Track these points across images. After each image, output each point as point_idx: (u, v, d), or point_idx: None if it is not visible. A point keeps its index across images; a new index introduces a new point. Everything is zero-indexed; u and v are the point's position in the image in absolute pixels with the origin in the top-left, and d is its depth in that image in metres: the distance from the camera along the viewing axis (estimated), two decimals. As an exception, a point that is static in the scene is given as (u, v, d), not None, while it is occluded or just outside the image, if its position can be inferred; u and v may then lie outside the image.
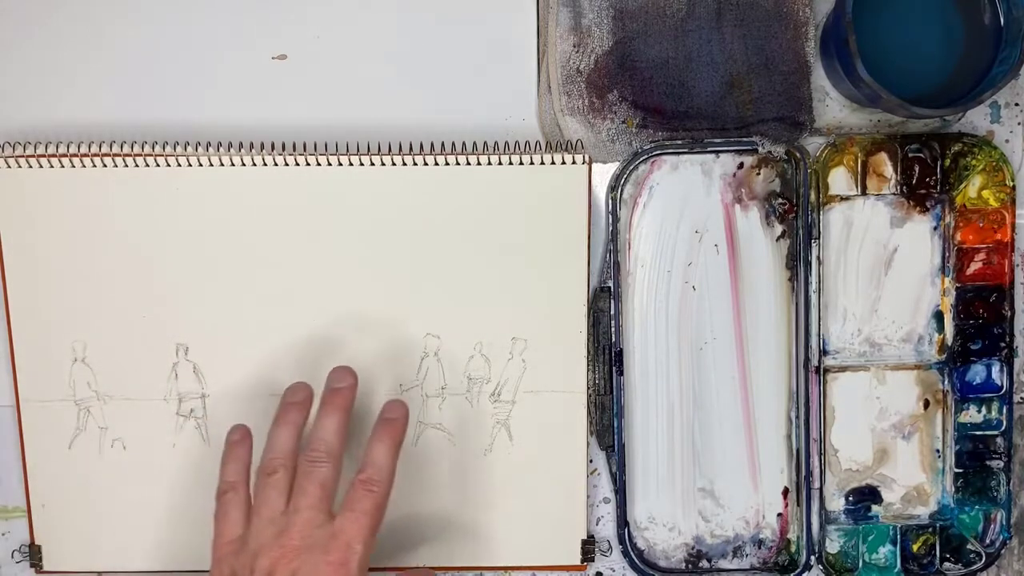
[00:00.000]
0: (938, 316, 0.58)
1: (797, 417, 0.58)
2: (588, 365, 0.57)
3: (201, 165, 0.55)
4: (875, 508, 0.59)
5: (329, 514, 0.49)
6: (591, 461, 0.58)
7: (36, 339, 0.56)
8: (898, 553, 0.59)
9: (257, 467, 0.51)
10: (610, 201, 0.57)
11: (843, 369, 0.58)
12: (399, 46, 0.57)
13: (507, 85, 0.57)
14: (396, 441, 0.51)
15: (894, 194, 0.57)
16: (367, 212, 0.55)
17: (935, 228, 0.58)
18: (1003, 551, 0.59)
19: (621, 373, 0.57)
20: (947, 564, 0.59)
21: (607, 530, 0.59)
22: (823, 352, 0.58)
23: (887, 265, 0.58)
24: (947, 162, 0.57)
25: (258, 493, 0.50)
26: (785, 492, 0.59)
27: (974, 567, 0.59)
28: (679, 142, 0.57)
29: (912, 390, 0.58)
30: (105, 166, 0.55)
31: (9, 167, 0.55)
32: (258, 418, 0.57)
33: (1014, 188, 0.57)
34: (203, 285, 0.56)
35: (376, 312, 0.56)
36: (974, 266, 0.57)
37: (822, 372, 0.58)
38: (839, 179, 0.57)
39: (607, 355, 0.57)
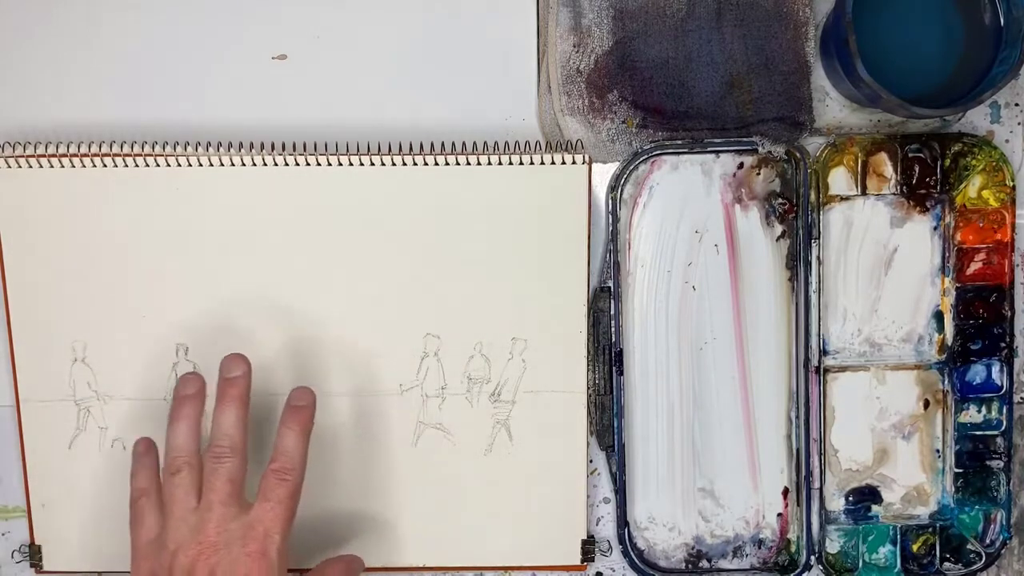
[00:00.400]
0: (938, 316, 0.58)
1: (797, 417, 0.58)
2: (588, 365, 0.57)
3: (201, 165, 0.55)
4: (875, 508, 0.59)
5: (242, 506, 0.49)
6: (591, 461, 0.58)
7: (36, 339, 0.56)
8: (898, 553, 0.59)
9: (164, 465, 0.51)
10: (610, 201, 0.57)
11: (843, 369, 0.58)
12: (399, 46, 0.57)
13: (507, 85, 0.57)
14: (305, 428, 0.51)
15: (894, 194, 0.57)
16: (367, 212, 0.55)
17: (935, 228, 0.58)
18: (1003, 551, 0.59)
19: (621, 373, 0.57)
20: (947, 564, 0.59)
21: (607, 530, 0.59)
22: (823, 352, 0.58)
23: (887, 265, 0.58)
24: (947, 162, 0.57)
25: (167, 493, 0.50)
26: (785, 492, 0.59)
27: (974, 567, 0.59)
28: (679, 142, 0.57)
29: (912, 390, 0.58)
30: (105, 166, 0.55)
31: (9, 167, 0.55)
32: (258, 418, 0.57)
33: (1014, 188, 0.57)
34: (203, 285, 0.56)
35: (376, 312, 0.56)
36: (974, 266, 0.57)
37: (822, 372, 0.58)
38: (839, 179, 0.57)
39: (607, 355, 0.57)
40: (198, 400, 0.52)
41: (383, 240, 0.56)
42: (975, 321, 0.58)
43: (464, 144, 0.56)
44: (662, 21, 0.56)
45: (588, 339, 0.57)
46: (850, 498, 0.59)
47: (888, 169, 0.57)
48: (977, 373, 0.58)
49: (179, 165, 0.55)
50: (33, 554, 0.58)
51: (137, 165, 0.55)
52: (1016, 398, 0.59)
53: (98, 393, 0.57)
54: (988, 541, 0.59)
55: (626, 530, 0.59)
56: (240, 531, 0.48)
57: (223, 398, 0.51)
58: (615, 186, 0.57)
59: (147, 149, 0.55)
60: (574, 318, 0.56)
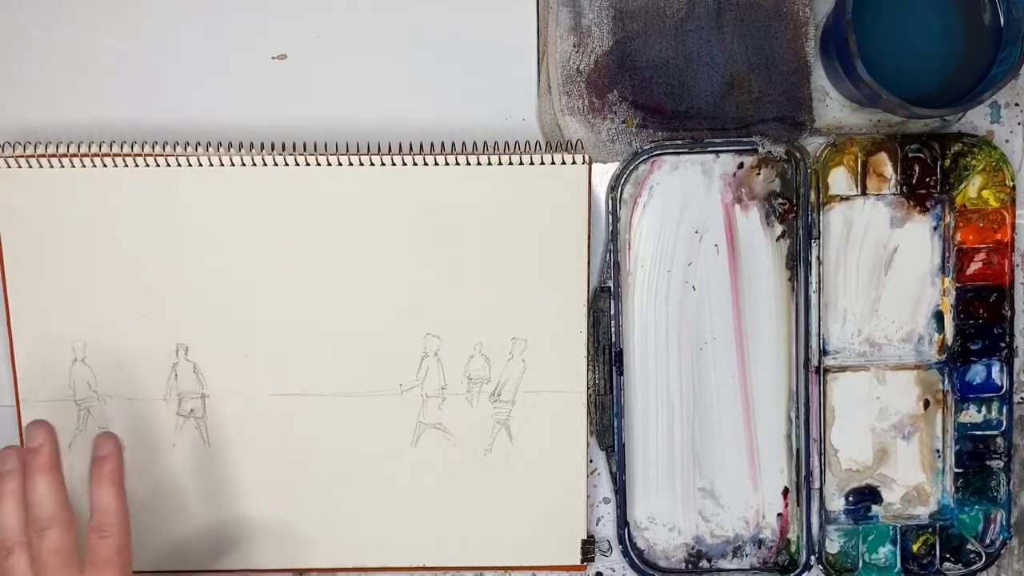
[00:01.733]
0: (938, 316, 0.58)
1: (797, 417, 0.58)
2: (588, 365, 0.57)
3: (201, 165, 0.55)
4: (875, 508, 0.59)
5: (78, 573, 0.48)
6: (591, 461, 0.58)
7: (36, 339, 0.56)
8: (898, 553, 0.59)
9: None
10: (610, 201, 0.57)
11: (843, 369, 0.58)
12: (399, 46, 0.57)
13: (507, 85, 0.57)
14: (115, 478, 0.50)
15: (894, 194, 0.57)
16: (367, 212, 0.55)
17: (935, 228, 0.58)
18: (1003, 551, 0.59)
19: (621, 373, 0.57)
20: (947, 564, 0.59)
21: (607, 530, 0.59)
22: (823, 352, 0.58)
23: (887, 265, 0.58)
24: (947, 162, 0.57)
25: None
26: (785, 492, 0.59)
27: (974, 567, 0.59)
28: (679, 142, 0.57)
29: (912, 390, 0.58)
30: (105, 166, 0.55)
31: (9, 167, 0.55)
32: (258, 418, 0.57)
33: (1014, 188, 0.57)
34: (203, 285, 0.56)
35: (376, 312, 0.56)
36: (974, 266, 0.57)
37: (822, 372, 0.58)
38: (839, 179, 0.57)
39: (607, 355, 0.57)
40: (18, 473, 0.50)
41: (383, 240, 0.56)
42: (975, 321, 0.58)
43: (464, 144, 0.56)
44: (662, 21, 0.56)
45: (588, 339, 0.57)
46: (850, 498, 0.59)
47: (888, 169, 0.57)
48: (977, 373, 0.58)
49: (179, 165, 0.55)
50: (33, 554, 0.58)
51: (137, 165, 0.55)
52: (1016, 398, 0.59)
53: (98, 393, 0.57)
54: (988, 541, 0.59)
55: (626, 530, 0.59)
56: None
57: (29, 470, 0.50)
58: (615, 186, 0.57)
59: (147, 149, 0.55)
60: (574, 318, 0.56)
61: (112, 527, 0.49)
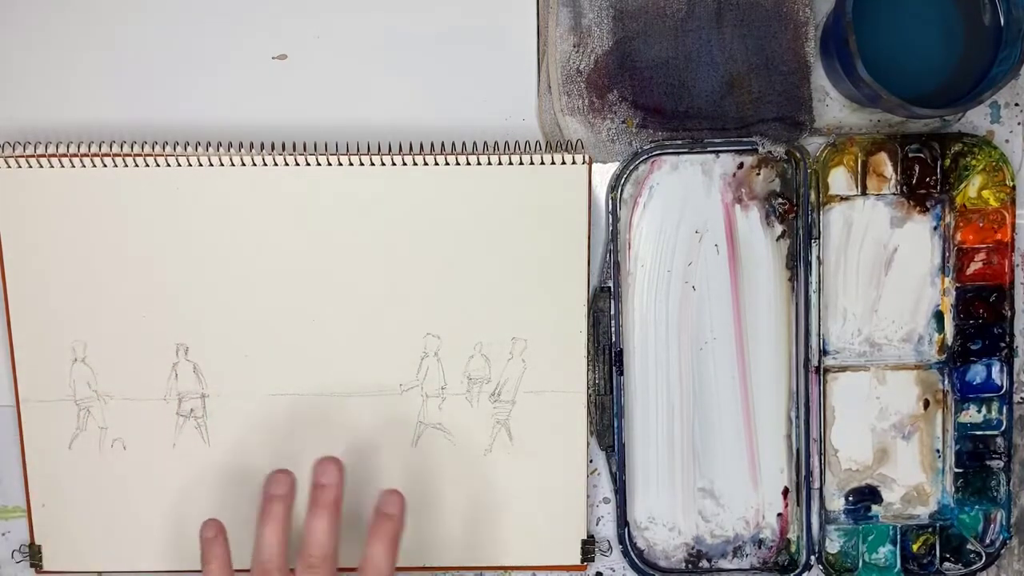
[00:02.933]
0: (938, 316, 0.58)
1: (797, 417, 0.58)
2: (588, 365, 0.57)
3: (201, 165, 0.55)
4: (875, 508, 0.59)
5: None
6: (591, 461, 0.58)
7: (36, 339, 0.56)
8: (898, 553, 0.59)
9: (252, 569, 0.50)
10: (610, 201, 0.57)
11: (843, 369, 0.58)
12: (399, 46, 0.57)
13: (507, 85, 0.57)
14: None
15: (894, 194, 0.57)
16: (367, 212, 0.55)
17: (935, 228, 0.58)
18: (1003, 551, 0.59)
19: (621, 373, 0.57)
20: (947, 564, 0.59)
21: (607, 530, 0.59)
22: (823, 352, 0.58)
23: (887, 265, 0.58)
24: (947, 162, 0.57)
25: None
26: (785, 492, 0.59)
27: (974, 567, 0.59)
28: (679, 142, 0.57)
29: (912, 390, 0.58)
30: (105, 166, 0.55)
31: (9, 167, 0.55)
32: (258, 418, 0.57)
33: (1014, 188, 0.57)
34: (203, 285, 0.56)
35: (376, 312, 0.56)
36: (974, 266, 0.57)
37: (822, 372, 0.58)
38: (839, 179, 0.57)
39: (607, 355, 0.57)
40: (288, 500, 0.51)
41: (383, 240, 0.56)
42: (975, 321, 0.58)
43: (464, 144, 0.56)
44: (662, 21, 0.56)
45: (588, 339, 0.57)
46: (850, 498, 0.59)
47: (888, 169, 0.57)
48: (977, 373, 0.58)
49: (179, 165, 0.55)
50: (33, 554, 0.58)
51: (137, 165, 0.55)
52: (1016, 398, 0.59)
53: (98, 393, 0.57)
54: (988, 541, 0.59)
55: (626, 530, 0.59)
56: None
57: (316, 504, 0.50)
58: (615, 186, 0.57)
59: (147, 149, 0.55)
60: (574, 318, 0.56)
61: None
